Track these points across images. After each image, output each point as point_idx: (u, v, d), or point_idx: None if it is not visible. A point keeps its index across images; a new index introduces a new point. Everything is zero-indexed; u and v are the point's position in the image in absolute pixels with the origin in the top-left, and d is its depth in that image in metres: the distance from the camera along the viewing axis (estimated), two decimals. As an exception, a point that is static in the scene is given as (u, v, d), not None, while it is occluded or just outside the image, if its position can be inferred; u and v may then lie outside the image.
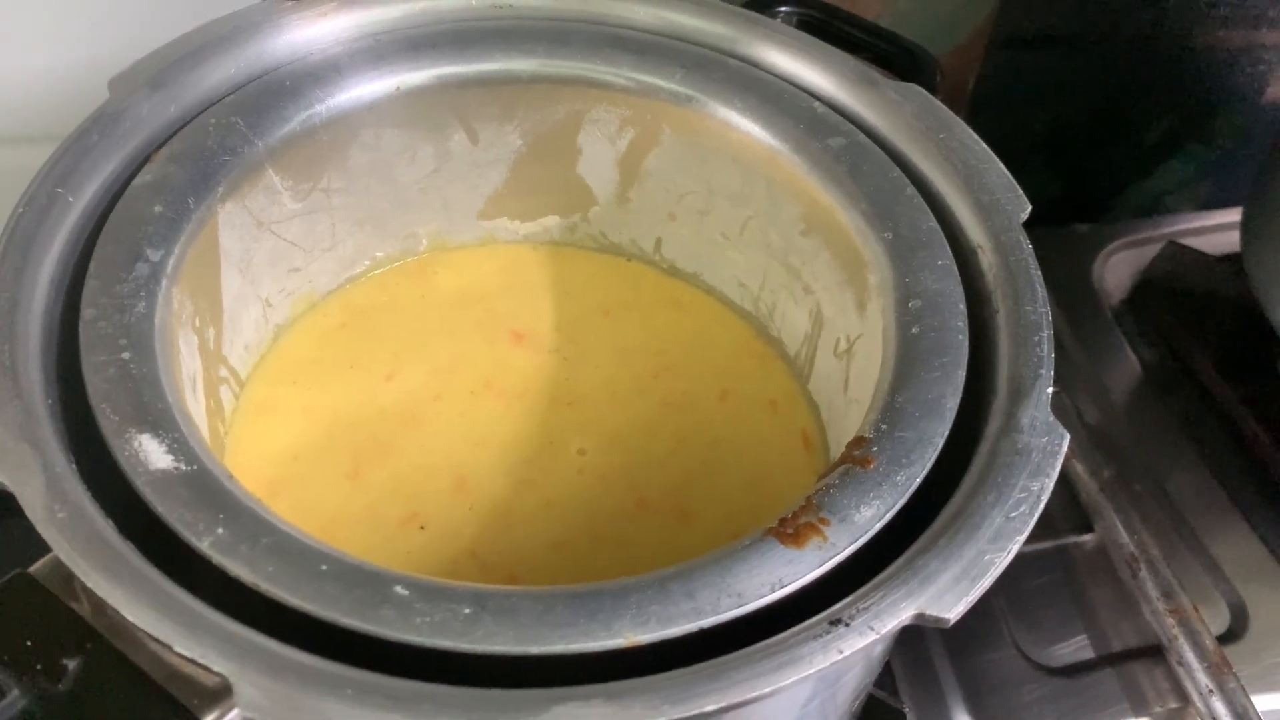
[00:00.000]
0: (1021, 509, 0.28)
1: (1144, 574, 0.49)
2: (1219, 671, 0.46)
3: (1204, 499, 0.54)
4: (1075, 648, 0.49)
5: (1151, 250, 0.65)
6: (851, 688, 0.35)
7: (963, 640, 0.48)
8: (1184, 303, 0.61)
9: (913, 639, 0.48)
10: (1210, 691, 0.45)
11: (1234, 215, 0.59)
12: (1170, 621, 0.47)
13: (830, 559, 0.28)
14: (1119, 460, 0.54)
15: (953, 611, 0.26)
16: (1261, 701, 0.45)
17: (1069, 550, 0.51)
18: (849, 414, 0.38)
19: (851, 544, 0.28)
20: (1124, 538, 0.50)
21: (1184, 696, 0.46)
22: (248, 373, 0.40)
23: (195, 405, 0.34)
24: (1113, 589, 0.50)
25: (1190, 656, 0.46)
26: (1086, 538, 0.52)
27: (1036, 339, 0.32)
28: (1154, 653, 0.48)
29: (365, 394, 0.40)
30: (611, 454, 0.39)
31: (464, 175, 0.43)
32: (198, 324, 0.35)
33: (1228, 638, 0.49)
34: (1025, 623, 0.49)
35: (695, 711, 0.24)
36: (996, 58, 0.64)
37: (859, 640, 0.25)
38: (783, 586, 0.27)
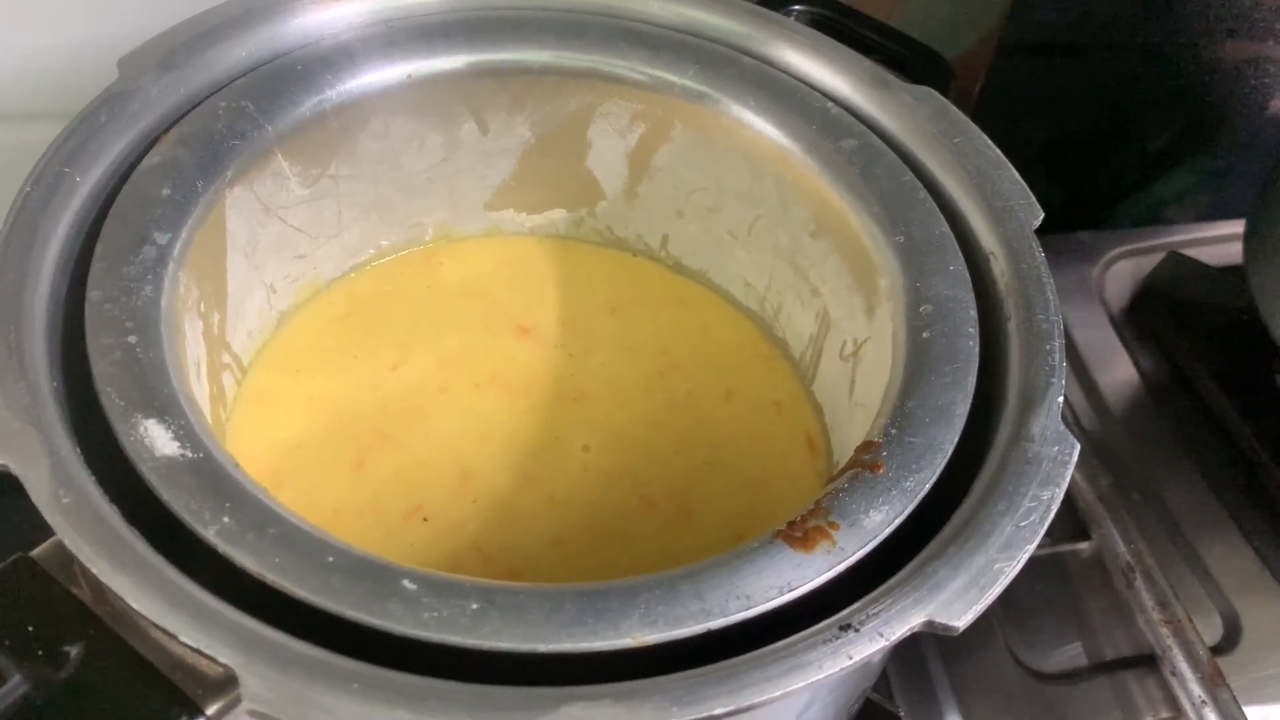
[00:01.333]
0: (1031, 518, 0.28)
1: (1139, 583, 0.49)
2: (1212, 682, 0.46)
3: (1200, 510, 0.54)
4: (1069, 655, 0.48)
5: (1153, 260, 0.64)
6: (852, 692, 0.35)
7: (957, 645, 0.48)
8: (1184, 313, 0.61)
9: (908, 643, 0.47)
10: (1203, 702, 0.45)
11: (1236, 227, 0.59)
12: (1164, 631, 0.47)
13: (839, 563, 0.27)
14: (1116, 469, 0.54)
15: (962, 620, 0.26)
16: (1253, 713, 0.45)
17: (1065, 558, 0.51)
18: (854, 418, 0.38)
19: (860, 549, 0.28)
20: (1120, 547, 0.50)
21: (1177, 707, 0.46)
22: (250, 359, 0.40)
23: (199, 391, 0.34)
24: (1108, 598, 0.50)
25: (1184, 667, 0.46)
26: (1083, 546, 0.51)
27: (1048, 348, 0.32)
28: (1147, 662, 0.48)
29: (369, 384, 0.40)
30: (616, 452, 0.39)
31: (472, 165, 0.43)
32: (202, 309, 0.35)
33: (1221, 649, 0.49)
34: (1020, 629, 0.49)
35: (705, 714, 0.24)
36: (1001, 65, 0.64)
37: (869, 646, 0.25)
38: (791, 590, 0.27)
